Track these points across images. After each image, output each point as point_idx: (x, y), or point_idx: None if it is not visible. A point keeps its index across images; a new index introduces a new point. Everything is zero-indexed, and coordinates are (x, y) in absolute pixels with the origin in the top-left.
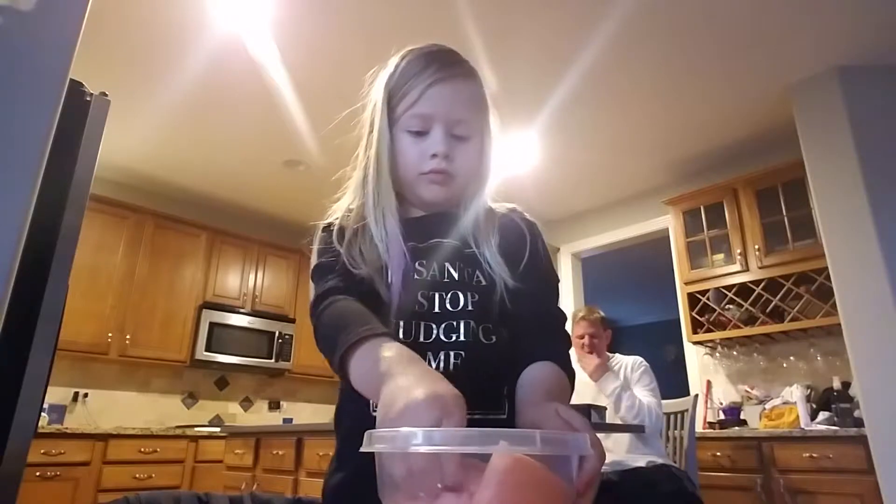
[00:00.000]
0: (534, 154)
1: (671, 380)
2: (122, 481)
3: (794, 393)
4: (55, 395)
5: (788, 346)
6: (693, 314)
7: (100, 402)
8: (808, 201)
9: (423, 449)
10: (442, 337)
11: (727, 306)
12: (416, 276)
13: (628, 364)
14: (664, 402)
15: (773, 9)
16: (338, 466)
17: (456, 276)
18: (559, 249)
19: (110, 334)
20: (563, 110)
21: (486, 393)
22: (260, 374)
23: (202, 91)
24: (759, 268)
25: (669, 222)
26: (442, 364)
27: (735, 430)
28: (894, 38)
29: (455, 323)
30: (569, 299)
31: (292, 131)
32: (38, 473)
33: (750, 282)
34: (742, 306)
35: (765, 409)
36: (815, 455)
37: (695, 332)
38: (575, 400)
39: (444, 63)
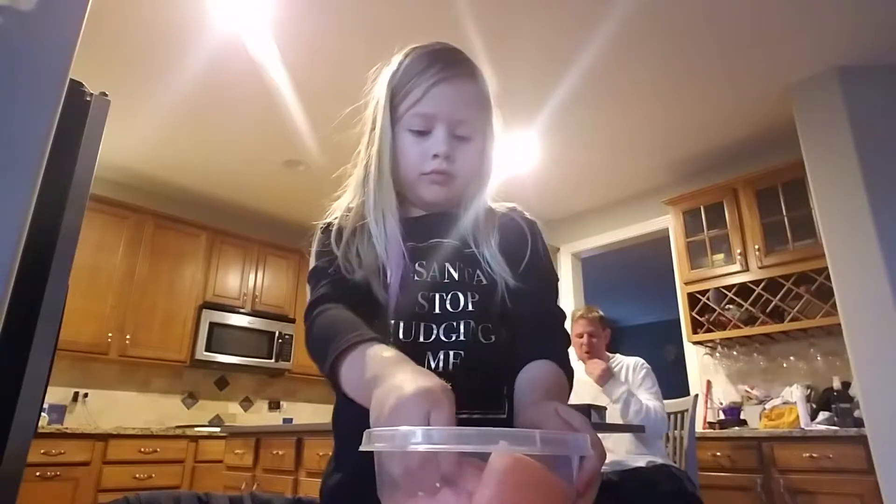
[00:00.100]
0: (534, 154)
1: (671, 380)
2: (122, 481)
3: (794, 393)
4: (55, 395)
5: (788, 346)
6: (693, 314)
7: (100, 402)
8: (808, 201)
9: (422, 448)
10: (442, 337)
11: (727, 306)
12: (415, 278)
13: (629, 365)
14: (664, 402)
15: (773, 9)
16: (336, 467)
17: (456, 276)
18: (559, 249)
19: (110, 334)
20: (563, 110)
21: (485, 392)
22: (260, 374)
23: (202, 91)
24: (759, 268)
25: (669, 222)
26: (441, 364)
27: (735, 430)
28: (894, 38)
29: (455, 323)
30: (569, 299)
31: (292, 131)
32: (38, 473)
33: (750, 282)
34: (742, 306)
35: (765, 409)
36: (815, 455)
37: (695, 332)
38: (575, 400)
39: (447, 62)
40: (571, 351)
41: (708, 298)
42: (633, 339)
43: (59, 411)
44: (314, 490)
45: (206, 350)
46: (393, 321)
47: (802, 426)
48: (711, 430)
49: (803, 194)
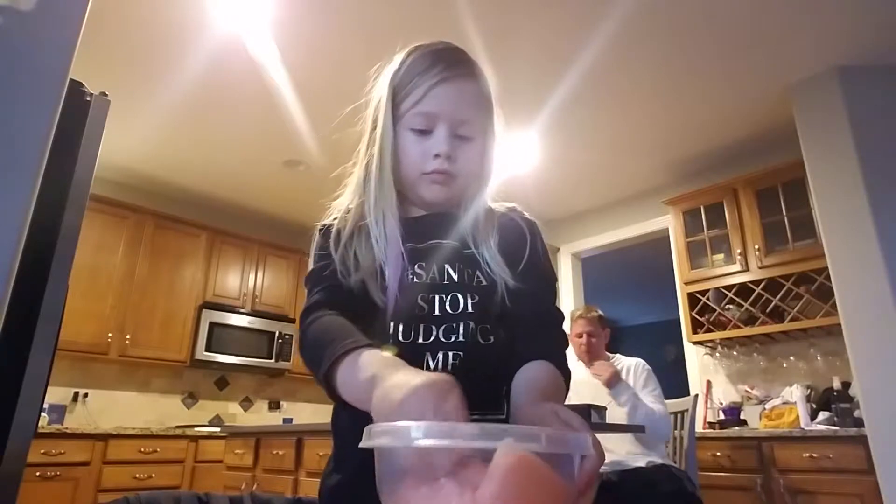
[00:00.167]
0: (534, 154)
1: (671, 380)
2: (122, 481)
3: (794, 393)
4: (55, 395)
5: (788, 346)
6: (693, 314)
7: (100, 402)
8: (808, 201)
9: (429, 442)
10: (441, 338)
11: (727, 306)
12: (414, 279)
13: (630, 366)
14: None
15: (773, 9)
16: (335, 467)
17: (456, 277)
18: (559, 249)
19: (110, 334)
20: (563, 110)
21: (484, 393)
22: (260, 374)
23: (202, 91)
24: (759, 268)
25: (669, 222)
26: (440, 364)
27: (735, 430)
28: (894, 38)
29: (454, 325)
30: (569, 299)
31: (292, 131)
32: (38, 473)
33: (750, 282)
34: (742, 306)
35: (765, 409)
36: (815, 455)
37: (695, 332)
38: (575, 400)
39: (450, 62)
40: (571, 351)
41: (708, 298)
42: (633, 339)
43: (59, 411)
44: (314, 490)
45: (206, 350)
46: (392, 323)
47: (802, 426)
48: (711, 430)
49: (803, 194)
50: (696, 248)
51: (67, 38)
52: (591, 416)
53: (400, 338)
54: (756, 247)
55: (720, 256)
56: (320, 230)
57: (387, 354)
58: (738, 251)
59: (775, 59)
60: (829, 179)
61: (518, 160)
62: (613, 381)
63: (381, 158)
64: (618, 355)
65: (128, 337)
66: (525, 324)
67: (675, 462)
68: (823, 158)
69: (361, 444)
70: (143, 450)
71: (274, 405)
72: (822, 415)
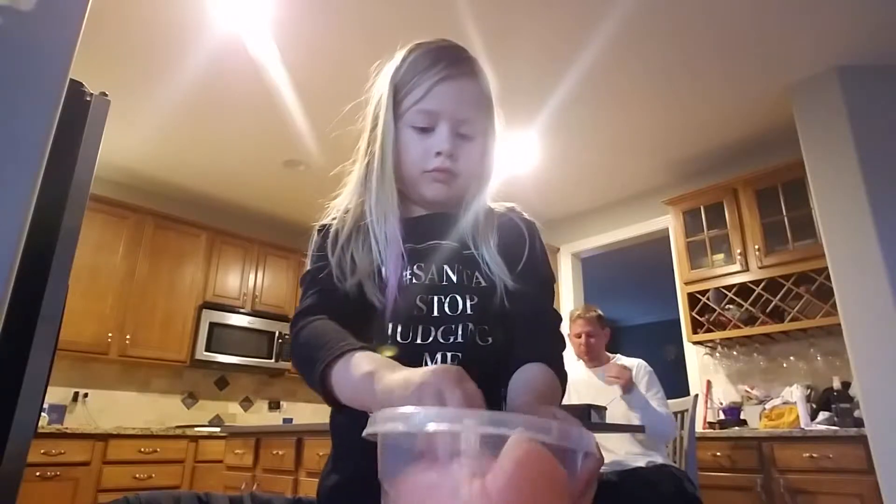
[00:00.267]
0: (534, 154)
1: (671, 380)
2: (122, 481)
3: (794, 393)
4: (55, 395)
5: (788, 346)
6: (693, 314)
7: (100, 402)
8: (808, 201)
9: (444, 427)
10: (440, 339)
11: (727, 306)
12: (413, 280)
13: (632, 367)
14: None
15: (772, 9)
16: (333, 468)
17: (455, 279)
18: (559, 249)
19: (110, 334)
20: (563, 110)
21: (482, 394)
22: (260, 374)
23: (202, 91)
24: (759, 268)
25: (669, 222)
26: (438, 364)
27: (735, 430)
28: (894, 38)
29: (453, 326)
30: (569, 299)
31: (292, 131)
32: (38, 473)
33: (750, 282)
34: (742, 306)
35: (765, 409)
36: (815, 455)
37: (695, 332)
38: (575, 400)
39: (452, 60)
40: (570, 351)
41: (708, 298)
42: (633, 339)
43: (59, 411)
44: (314, 490)
45: (206, 350)
46: (391, 323)
47: (802, 426)
48: (711, 430)
49: (803, 194)
50: (696, 248)
51: (67, 38)
52: (590, 416)
53: (398, 338)
54: (756, 247)
55: (720, 256)
56: (319, 230)
57: (382, 357)
58: (738, 251)
59: (775, 59)
60: (829, 179)
61: (518, 160)
62: (629, 387)
63: (382, 156)
64: (618, 355)
65: (128, 337)
66: (522, 325)
67: (675, 462)
68: (823, 158)
69: (367, 431)
70: (143, 450)
71: (274, 405)
72: (822, 415)
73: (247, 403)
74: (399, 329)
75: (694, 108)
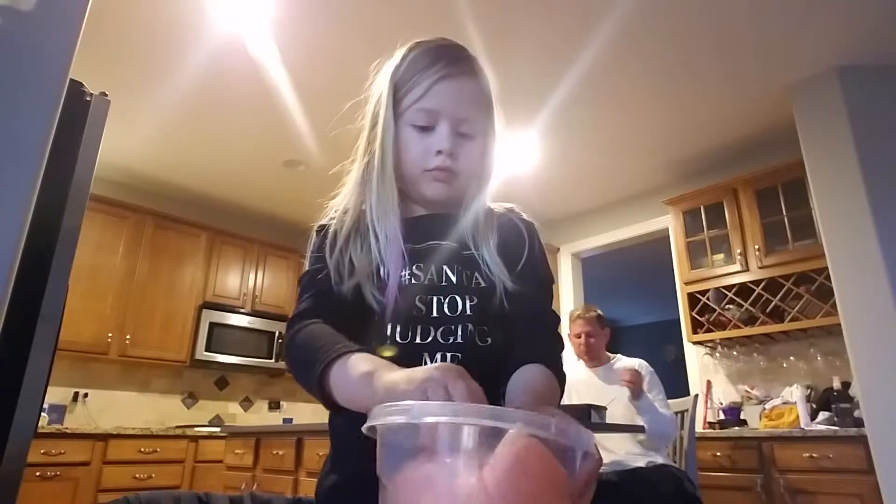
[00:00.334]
0: (534, 154)
1: (671, 380)
2: (122, 481)
3: (794, 393)
4: (55, 395)
5: (788, 346)
6: (693, 314)
7: (100, 402)
8: (808, 201)
9: (445, 419)
10: (439, 339)
11: (727, 306)
12: (412, 280)
13: (632, 367)
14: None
15: (773, 9)
16: (332, 468)
17: (454, 279)
18: (559, 249)
19: (110, 334)
20: (563, 110)
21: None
22: (260, 374)
23: (202, 91)
24: (759, 268)
25: (669, 222)
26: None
27: (735, 430)
28: (894, 38)
29: (453, 327)
30: (569, 299)
31: (292, 131)
32: (38, 473)
33: (750, 282)
34: (742, 306)
35: (765, 409)
36: (815, 455)
37: (695, 332)
38: (574, 400)
39: (452, 59)
40: (571, 350)
41: (708, 298)
42: (633, 339)
43: (59, 411)
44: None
45: (206, 350)
46: (390, 324)
47: (802, 426)
48: (711, 430)
49: (803, 194)
50: (696, 248)
51: (67, 38)
52: (591, 416)
53: (397, 338)
54: (756, 247)
55: (720, 256)
56: (317, 230)
57: (380, 359)
58: (738, 251)
59: (775, 59)
60: (829, 179)
61: (518, 160)
62: (639, 393)
63: (382, 154)
64: (619, 355)
65: (128, 337)
66: (521, 326)
67: (675, 462)
68: (823, 158)
69: (367, 425)
70: (143, 450)
71: (274, 405)
72: (822, 415)
73: (247, 403)
74: (398, 329)
75: (694, 108)
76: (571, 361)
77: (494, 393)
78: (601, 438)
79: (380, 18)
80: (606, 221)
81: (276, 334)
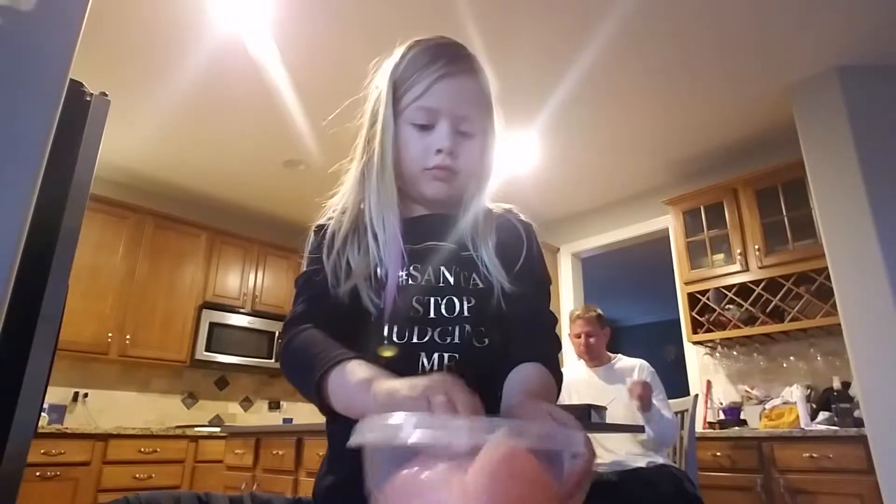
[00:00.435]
0: (534, 154)
1: (671, 380)
2: (122, 481)
3: (794, 393)
4: (55, 395)
5: (788, 346)
6: (693, 314)
7: (100, 402)
8: (808, 201)
9: (424, 437)
10: (436, 339)
11: (727, 306)
12: (409, 281)
13: (634, 368)
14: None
15: (773, 9)
16: (329, 469)
17: (452, 280)
18: (559, 249)
19: (110, 334)
20: (563, 110)
21: (479, 395)
22: (260, 374)
23: (202, 91)
24: (759, 268)
25: (669, 222)
26: (435, 364)
27: (735, 430)
28: (894, 38)
29: (450, 327)
30: (569, 299)
31: (292, 131)
32: (38, 473)
33: (750, 282)
34: (742, 306)
35: (765, 409)
36: (815, 455)
37: (695, 332)
38: (575, 400)
39: (451, 57)
40: (571, 350)
41: (708, 298)
42: (633, 339)
43: (59, 411)
44: None
45: (206, 350)
46: (387, 324)
47: (802, 426)
48: (711, 430)
49: (803, 194)
50: (696, 248)
51: (67, 38)
52: (590, 416)
53: (394, 338)
54: (756, 247)
55: (720, 256)
56: (315, 230)
57: (376, 367)
58: (738, 251)
59: (775, 59)
60: (829, 179)
61: (518, 160)
62: (649, 405)
63: (381, 153)
64: (619, 355)
65: (128, 337)
66: (519, 326)
67: (675, 462)
68: (823, 158)
69: (352, 442)
70: (143, 450)
71: (274, 405)
72: (822, 415)
73: (247, 403)
74: (395, 329)
75: (694, 108)
76: (572, 361)
77: (491, 394)
78: (601, 438)
79: (380, 18)
80: (606, 221)
81: (276, 334)
